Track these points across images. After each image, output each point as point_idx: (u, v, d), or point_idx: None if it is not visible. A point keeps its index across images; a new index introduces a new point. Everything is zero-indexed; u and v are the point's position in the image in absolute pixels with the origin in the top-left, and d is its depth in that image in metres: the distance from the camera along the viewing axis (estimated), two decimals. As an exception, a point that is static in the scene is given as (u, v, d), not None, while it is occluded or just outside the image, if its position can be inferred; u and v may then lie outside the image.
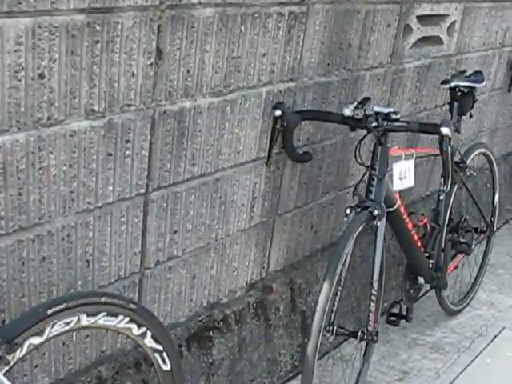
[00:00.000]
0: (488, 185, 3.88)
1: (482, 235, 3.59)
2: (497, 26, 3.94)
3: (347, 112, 2.46)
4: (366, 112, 2.46)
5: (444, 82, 3.10)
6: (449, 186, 2.44)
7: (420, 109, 3.47)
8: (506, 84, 4.34)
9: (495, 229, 3.76)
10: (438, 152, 2.71)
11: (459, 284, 3.75)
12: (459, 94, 3.17)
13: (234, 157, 2.41)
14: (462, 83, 3.13)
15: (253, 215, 2.61)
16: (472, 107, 3.28)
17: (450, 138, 2.29)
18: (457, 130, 3.21)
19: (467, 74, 3.27)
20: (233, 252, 2.59)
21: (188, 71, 2.10)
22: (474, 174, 3.37)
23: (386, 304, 3.50)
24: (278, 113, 2.44)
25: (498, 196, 3.90)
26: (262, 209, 2.64)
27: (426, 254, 3.11)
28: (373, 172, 2.54)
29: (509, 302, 3.94)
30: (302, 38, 2.48)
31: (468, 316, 3.75)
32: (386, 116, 2.48)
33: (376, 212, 2.49)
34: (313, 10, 2.48)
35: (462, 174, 3.29)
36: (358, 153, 2.50)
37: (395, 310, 3.21)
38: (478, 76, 3.26)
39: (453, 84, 3.11)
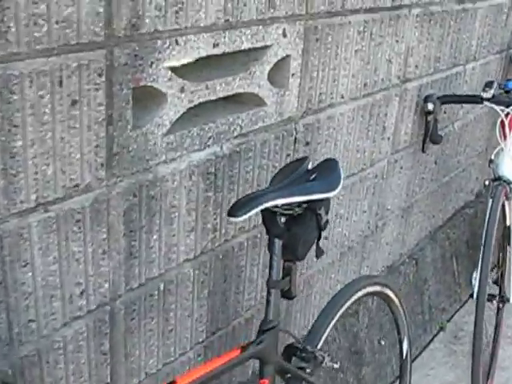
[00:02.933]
0: (382, 342, 2.20)
1: None
2: (388, 51, 2.26)
3: None
4: None
5: (240, 210, 1.38)
6: None
7: (224, 244, 1.78)
8: (417, 138, 2.67)
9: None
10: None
11: None
12: (284, 220, 1.50)
13: None
14: (284, 200, 1.45)
15: None
16: (319, 237, 1.60)
17: None
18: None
19: (307, 167, 1.60)
20: None
21: None
22: (336, 364, 1.69)
23: None
24: None
25: (409, 342, 2.24)
26: None
27: None
28: None
29: None
30: None
31: None
32: None
33: None
34: None
35: (304, 374, 1.61)
36: None
37: None
38: (325, 172, 1.58)
39: (265, 205, 1.41)
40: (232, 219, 1.38)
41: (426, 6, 2.43)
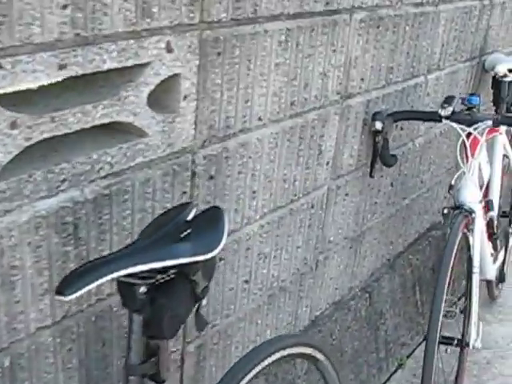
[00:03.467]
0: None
1: None
2: (322, 63, 1.93)
3: None
4: None
5: (69, 288, 1.07)
6: None
7: (97, 304, 1.46)
8: (367, 160, 2.34)
9: None
10: None
11: None
12: (144, 290, 1.19)
13: None
14: (139, 267, 1.13)
15: None
16: (199, 307, 1.29)
17: None
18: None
19: (187, 217, 1.28)
20: None
21: None
22: None
23: None
24: None
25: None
26: None
27: None
28: None
29: None
30: None
31: None
32: None
33: None
34: None
35: None
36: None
37: None
38: (204, 227, 1.27)
39: (109, 276, 1.10)
40: (60, 298, 1.06)
41: (374, 10, 2.11)
